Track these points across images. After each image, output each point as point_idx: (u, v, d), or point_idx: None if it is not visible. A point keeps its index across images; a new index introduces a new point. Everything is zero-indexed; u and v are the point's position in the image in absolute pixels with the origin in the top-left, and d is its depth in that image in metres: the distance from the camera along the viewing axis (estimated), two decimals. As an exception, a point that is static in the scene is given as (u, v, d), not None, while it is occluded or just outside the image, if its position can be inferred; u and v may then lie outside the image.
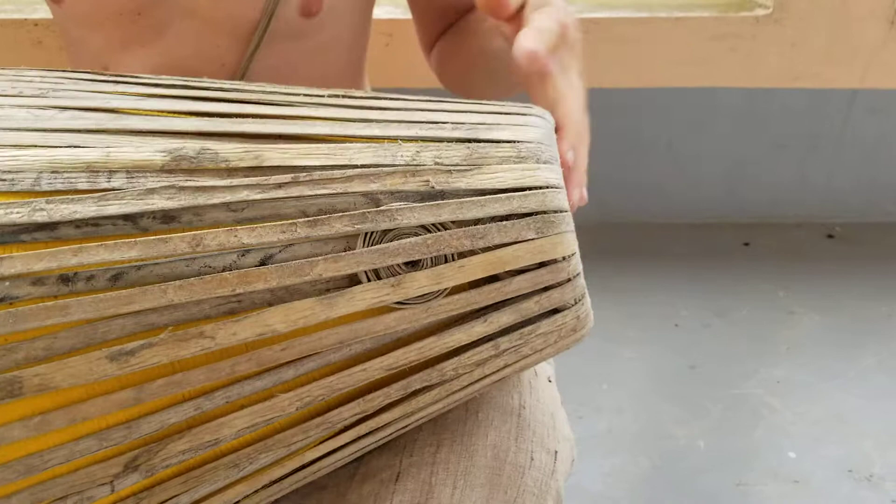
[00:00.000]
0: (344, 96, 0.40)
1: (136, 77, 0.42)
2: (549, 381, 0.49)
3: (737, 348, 0.93)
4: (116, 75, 0.43)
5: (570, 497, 0.70)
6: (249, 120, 0.37)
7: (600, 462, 0.73)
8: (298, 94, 0.40)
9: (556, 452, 0.45)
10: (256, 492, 0.38)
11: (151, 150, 0.35)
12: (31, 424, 0.32)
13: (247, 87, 0.41)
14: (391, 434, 0.40)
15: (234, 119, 0.37)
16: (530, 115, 0.39)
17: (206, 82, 0.42)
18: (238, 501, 0.38)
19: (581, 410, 0.81)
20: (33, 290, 0.32)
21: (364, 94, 0.41)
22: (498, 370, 0.38)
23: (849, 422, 0.79)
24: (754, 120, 1.20)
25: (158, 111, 0.38)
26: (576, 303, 0.37)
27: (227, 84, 0.42)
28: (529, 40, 0.39)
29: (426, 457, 0.42)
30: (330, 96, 0.40)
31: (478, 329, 0.36)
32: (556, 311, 0.37)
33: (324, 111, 0.38)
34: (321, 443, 0.37)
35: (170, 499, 0.36)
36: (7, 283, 0.31)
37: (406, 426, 0.40)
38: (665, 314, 0.98)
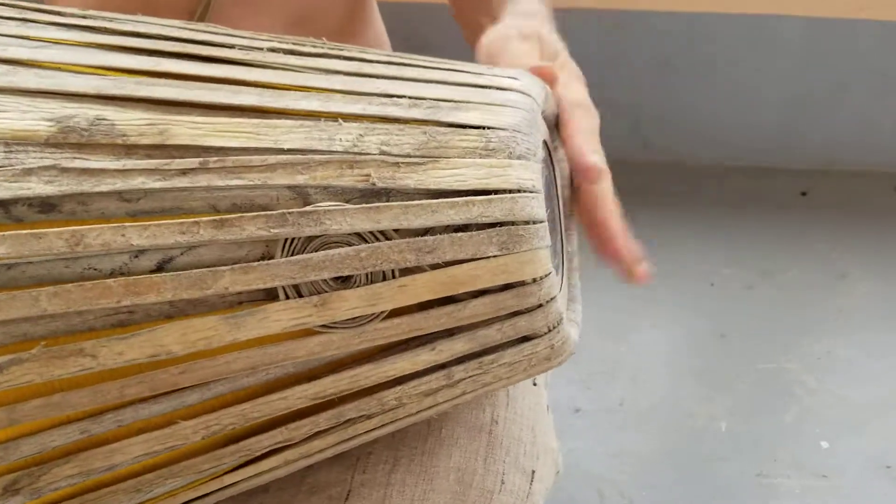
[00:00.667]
0: (290, 51, 0.33)
1: (53, 10, 0.35)
2: (534, 385, 0.43)
3: (777, 315, 0.84)
4: (35, 7, 0.36)
5: (565, 476, 0.65)
6: (162, 82, 0.30)
7: (606, 440, 0.67)
8: (235, 46, 0.33)
9: (533, 472, 0.39)
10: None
11: (37, 118, 0.28)
12: None
13: (184, 34, 0.34)
14: (335, 450, 0.35)
15: (143, 79, 0.30)
16: (512, 90, 0.31)
17: (139, 23, 0.35)
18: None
19: (591, 379, 0.74)
20: None
21: (317, 47, 0.34)
22: (455, 398, 0.32)
23: (896, 410, 0.71)
24: (816, 54, 1.07)
25: (58, 64, 0.31)
26: (549, 330, 0.30)
27: (164, 27, 0.35)
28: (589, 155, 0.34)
29: (380, 475, 0.37)
30: (270, 50, 0.33)
31: (424, 357, 0.30)
32: (525, 339, 0.31)
33: (256, 73, 0.31)
34: (242, 466, 0.32)
35: (66, 519, 0.32)
36: None
37: (351, 446, 0.34)
38: (701, 271, 0.89)
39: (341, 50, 0.34)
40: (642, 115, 1.14)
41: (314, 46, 0.34)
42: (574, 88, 0.37)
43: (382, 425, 0.32)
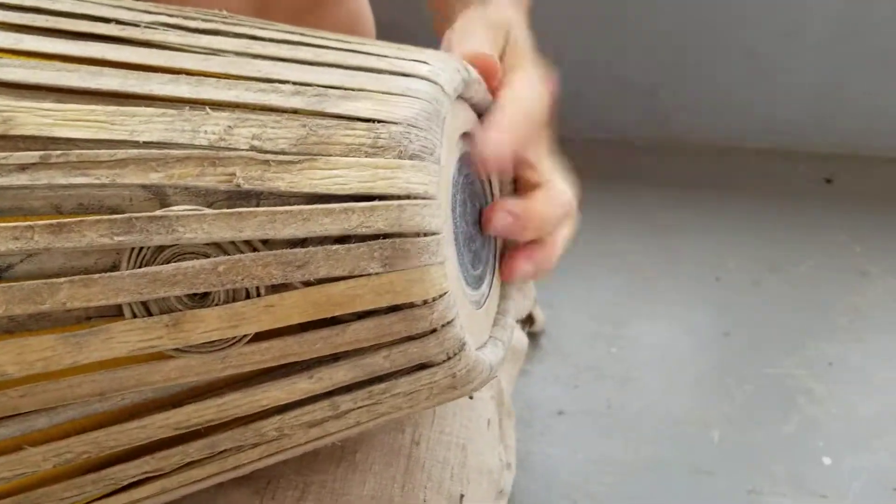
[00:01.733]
0: (174, 26, 0.29)
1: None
2: (470, 398, 0.39)
3: (785, 315, 0.77)
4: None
5: (538, 484, 0.61)
6: (17, 62, 0.27)
7: (587, 444, 0.62)
8: (114, 21, 0.29)
9: (461, 496, 0.35)
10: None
11: None
12: None
13: (58, 5, 0.30)
14: (229, 477, 0.31)
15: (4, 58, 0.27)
16: (415, 76, 0.27)
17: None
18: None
19: (578, 377, 0.70)
20: None
21: (209, 22, 0.30)
22: (348, 428, 0.28)
23: (909, 425, 0.65)
24: (852, 28, 0.98)
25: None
26: (448, 358, 0.26)
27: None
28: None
29: (289, 503, 0.34)
30: (150, 25, 0.29)
31: (302, 386, 0.26)
32: (421, 366, 0.27)
33: (126, 52, 0.27)
34: (111, 494, 0.29)
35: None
36: None
37: (248, 471, 0.31)
38: (707, 263, 0.83)
39: (236, 25, 0.30)
40: (658, 93, 1.08)
41: (205, 21, 0.30)
42: (520, 92, 0.32)
43: (269, 455, 0.28)
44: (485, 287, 0.31)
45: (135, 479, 0.28)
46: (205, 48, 0.28)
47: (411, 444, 0.35)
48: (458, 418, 0.37)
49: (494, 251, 0.33)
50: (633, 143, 1.09)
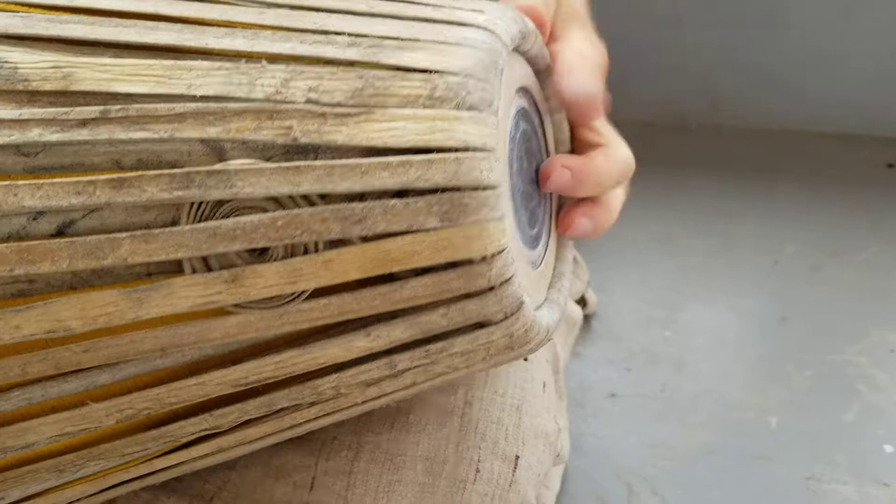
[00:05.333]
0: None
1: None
2: (525, 360, 0.38)
3: (846, 301, 0.74)
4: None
5: (592, 467, 0.60)
6: (75, 18, 0.27)
7: (641, 429, 0.60)
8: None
9: (516, 458, 0.35)
10: (110, 488, 0.31)
11: (-70, 61, 0.25)
12: None
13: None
14: (284, 438, 0.31)
15: (55, 16, 0.27)
16: (472, 26, 0.26)
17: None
18: (91, 495, 0.31)
19: (631, 360, 0.68)
20: None
21: None
22: (405, 388, 0.28)
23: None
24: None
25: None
26: (506, 317, 0.26)
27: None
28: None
29: (343, 463, 0.34)
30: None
31: (360, 344, 0.26)
32: (478, 325, 0.26)
33: (179, 7, 0.27)
34: (171, 452, 0.29)
35: (-8, 493, 0.29)
36: None
37: (303, 432, 0.31)
38: (765, 247, 0.80)
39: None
40: (711, 76, 1.05)
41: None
42: (580, 46, 0.31)
43: (325, 414, 0.28)
44: (541, 248, 0.31)
45: (193, 437, 0.28)
46: (259, 1, 0.28)
47: (464, 404, 0.34)
48: (512, 379, 0.36)
49: (550, 212, 0.32)
50: (687, 127, 1.06)
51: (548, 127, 0.33)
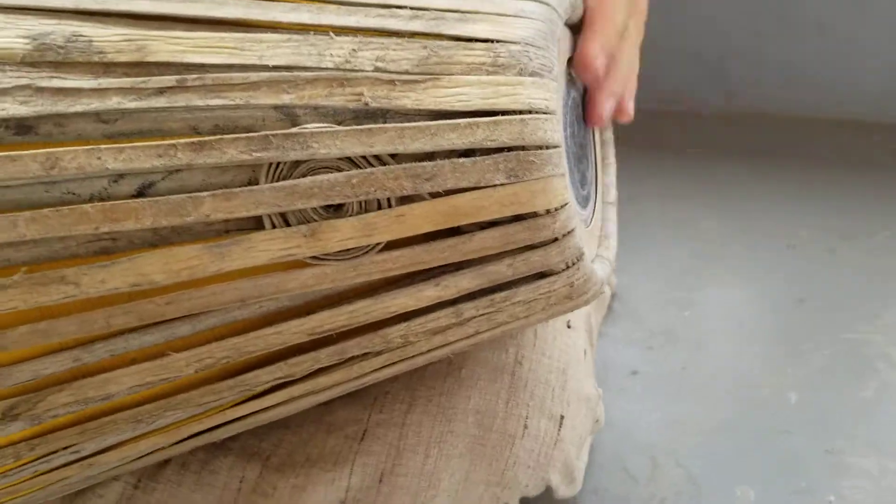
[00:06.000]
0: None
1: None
2: (569, 327, 0.40)
3: (861, 282, 0.76)
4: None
5: (617, 442, 0.61)
6: (146, -7, 0.28)
7: (663, 404, 0.62)
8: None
9: (561, 418, 0.36)
10: (181, 441, 0.33)
11: (13, 35, 0.27)
12: None
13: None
14: (346, 391, 0.33)
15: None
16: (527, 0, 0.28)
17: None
18: (160, 449, 0.33)
19: (652, 340, 0.69)
20: None
21: None
22: (468, 337, 0.29)
23: None
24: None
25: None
26: (567, 267, 0.27)
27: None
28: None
29: (396, 416, 0.35)
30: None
31: (429, 293, 0.27)
32: (540, 275, 0.28)
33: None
34: (244, 402, 0.31)
35: (70, 446, 0.31)
36: None
37: (364, 384, 0.32)
38: (779, 231, 0.81)
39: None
40: (726, 65, 1.06)
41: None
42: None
43: (391, 364, 0.30)
44: (591, 207, 0.32)
45: (267, 386, 0.30)
46: (322, -22, 0.29)
47: (515, 363, 0.36)
48: (557, 343, 0.38)
49: (596, 175, 0.34)
50: (701, 114, 1.08)
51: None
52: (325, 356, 0.29)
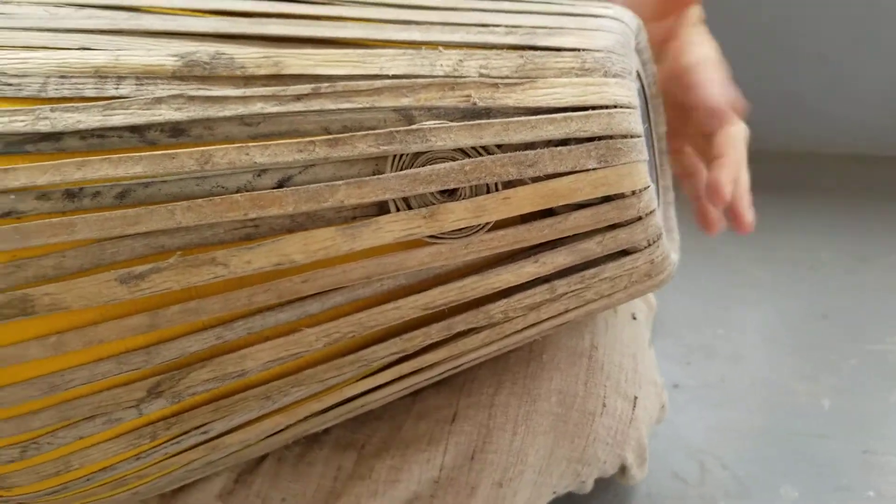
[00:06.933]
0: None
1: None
2: (634, 319, 0.43)
3: (881, 298, 0.81)
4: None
5: (666, 448, 0.65)
6: (273, 20, 0.33)
7: (706, 413, 0.66)
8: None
9: (635, 398, 0.40)
10: (298, 423, 0.36)
11: (163, 54, 0.31)
12: (47, 344, 0.31)
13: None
14: (442, 374, 0.36)
15: (255, 19, 0.33)
16: (604, 17, 0.32)
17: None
18: (278, 431, 0.36)
19: (690, 356, 0.74)
20: (39, 205, 0.30)
21: None
22: (558, 314, 0.33)
23: None
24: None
25: (178, 9, 0.34)
26: (649, 245, 0.31)
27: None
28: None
29: (484, 398, 0.39)
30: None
31: (528, 269, 0.31)
32: (624, 252, 0.32)
33: (357, 10, 0.33)
34: (360, 380, 0.34)
35: (202, 425, 0.34)
36: (12, 197, 0.30)
37: (459, 365, 0.36)
38: (800, 256, 0.87)
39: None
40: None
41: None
42: (699, 42, 0.38)
43: (490, 342, 0.34)
44: (658, 199, 0.36)
45: (383, 361, 0.33)
46: (420, 6, 0.34)
47: (591, 348, 0.40)
48: (627, 331, 0.42)
49: (657, 171, 0.38)
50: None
51: (651, 109, 0.39)
52: (434, 331, 0.33)
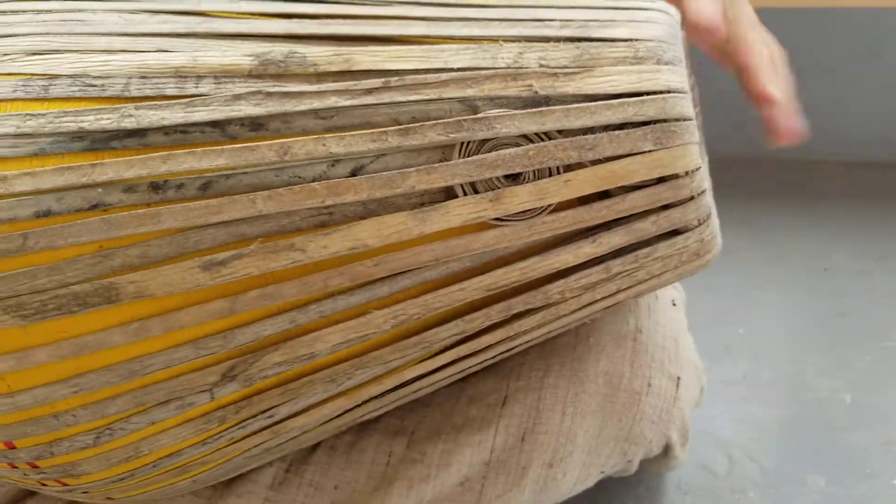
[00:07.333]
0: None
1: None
2: (674, 305, 0.45)
3: (894, 297, 0.83)
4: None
5: (693, 441, 0.66)
6: (339, 21, 0.35)
7: (732, 408, 0.68)
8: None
9: (678, 379, 0.42)
10: (357, 407, 0.38)
11: (239, 55, 0.33)
12: (129, 330, 0.32)
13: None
14: (495, 357, 0.38)
15: (323, 20, 0.35)
16: (652, 9, 0.34)
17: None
18: (338, 416, 0.38)
19: (712, 354, 0.76)
20: (125, 198, 0.31)
21: None
22: (610, 295, 0.35)
23: None
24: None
25: (248, 13, 0.36)
26: (699, 224, 0.33)
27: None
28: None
29: (533, 381, 0.40)
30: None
31: (586, 250, 0.33)
32: (676, 232, 0.33)
33: (419, 10, 0.35)
34: (420, 362, 0.36)
35: (269, 409, 0.36)
36: (100, 190, 0.31)
37: (511, 349, 0.38)
38: (814, 257, 0.90)
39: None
40: (743, 111, 1.14)
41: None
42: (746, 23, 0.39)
43: (545, 323, 0.35)
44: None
45: (445, 343, 0.35)
46: (478, 5, 0.36)
47: (635, 331, 0.41)
48: (667, 316, 0.43)
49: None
50: (720, 158, 1.16)
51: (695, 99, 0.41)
52: (494, 312, 0.34)
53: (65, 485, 0.38)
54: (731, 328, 0.80)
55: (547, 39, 0.33)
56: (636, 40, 0.32)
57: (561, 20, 0.34)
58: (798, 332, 0.81)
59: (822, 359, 0.77)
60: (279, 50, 0.33)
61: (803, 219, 0.99)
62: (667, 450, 0.43)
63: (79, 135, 0.32)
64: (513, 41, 0.33)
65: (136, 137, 0.32)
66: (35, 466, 0.36)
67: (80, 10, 0.36)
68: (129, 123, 0.32)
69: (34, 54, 0.34)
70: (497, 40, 0.33)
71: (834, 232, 0.96)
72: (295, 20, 0.35)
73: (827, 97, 1.11)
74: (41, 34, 0.35)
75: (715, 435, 0.67)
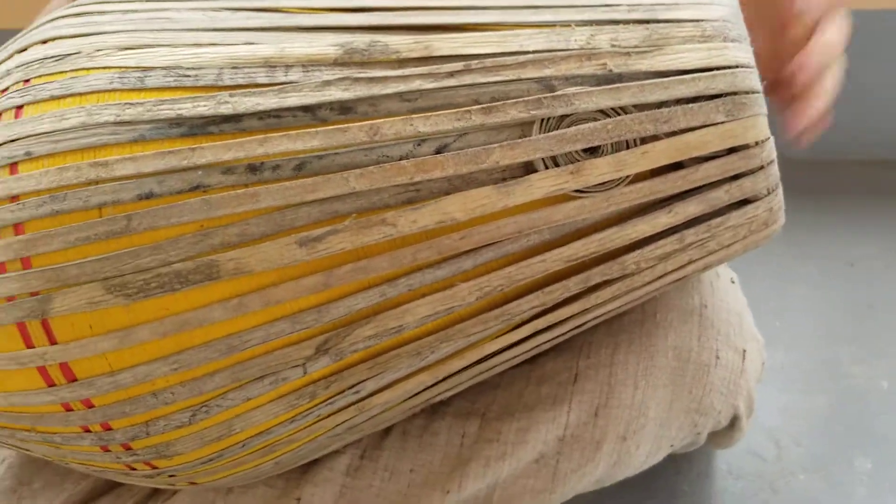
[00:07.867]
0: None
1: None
2: (733, 283, 0.47)
3: None
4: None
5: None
6: (415, 12, 0.37)
7: (775, 397, 0.70)
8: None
9: (744, 351, 0.43)
10: (436, 384, 0.39)
11: (323, 45, 0.35)
12: (229, 306, 0.34)
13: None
14: (568, 332, 0.39)
15: (399, 12, 0.37)
16: (715, -9, 0.36)
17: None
18: (418, 392, 0.39)
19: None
20: (224, 179, 0.33)
21: None
22: (682, 266, 0.36)
23: None
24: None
25: (325, 8, 0.38)
26: (769, 193, 0.35)
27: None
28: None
29: (603, 358, 0.42)
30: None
31: (662, 220, 0.34)
32: (746, 201, 0.35)
33: (491, 0, 0.37)
34: (500, 336, 0.37)
35: (357, 384, 0.37)
36: (199, 172, 0.33)
37: (583, 324, 0.39)
38: (839, 253, 0.92)
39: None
40: (772, 116, 1.16)
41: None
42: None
43: (619, 295, 0.37)
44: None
45: (525, 316, 0.36)
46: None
47: (700, 306, 0.43)
48: (730, 292, 0.45)
49: None
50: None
51: None
52: (573, 284, 0.36)
53: (154, 468, 0.39)
54: (766, 321, 0.81)
55: (616, 22, 0.35)
56: (702, 20, 0.34)
57: (628, 4, 0.36)
58: (830, 324, 0.82)
59: (856, 348, 0.78)
60: (361, 39, 0.35)
61: (826, 217, 1.01)
62: (734, 421, 0.44)
63: (177, 121, 0.34)
64: (584, 25, 0.35)
65: (232, 122, 0.33)
66: (128, 448, 0.38)
67: (165, 10, 0.38)
68: (225, 109, 0.33)
69: (126, 49, 0.36)
70: (569, 25, 0.35)
71: (856, 229, 0.97)
72: (372, 13, 0.37)
73: (845, 98, 1.13)
74: (130, 31, 0.37)
75: (760, 422, 0.69)
